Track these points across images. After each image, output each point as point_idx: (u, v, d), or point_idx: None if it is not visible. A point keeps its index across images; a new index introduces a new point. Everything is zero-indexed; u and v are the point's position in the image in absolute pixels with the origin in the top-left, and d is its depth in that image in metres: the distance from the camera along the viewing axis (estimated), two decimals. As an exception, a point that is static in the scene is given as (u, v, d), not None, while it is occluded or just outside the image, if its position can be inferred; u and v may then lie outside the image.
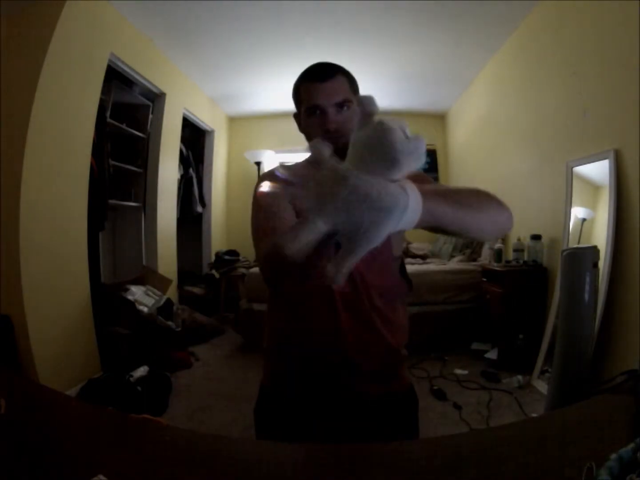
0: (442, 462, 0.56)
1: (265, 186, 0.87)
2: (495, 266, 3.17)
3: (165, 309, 3.25)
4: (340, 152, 0.80)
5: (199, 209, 4.99)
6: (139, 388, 2.34)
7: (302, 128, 0.91)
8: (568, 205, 2.56)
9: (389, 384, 0.86)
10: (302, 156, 0.94)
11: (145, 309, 3.04)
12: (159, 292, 3.34)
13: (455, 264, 3.82)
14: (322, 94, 0.83)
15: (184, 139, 4.50)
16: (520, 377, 2.59)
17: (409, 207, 0.38)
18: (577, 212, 2.54)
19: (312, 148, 0.42)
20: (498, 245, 3.34)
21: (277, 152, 5.35)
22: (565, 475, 0.49)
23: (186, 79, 4.28)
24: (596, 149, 2.28)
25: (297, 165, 0.93)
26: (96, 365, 2.70)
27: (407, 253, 4.29)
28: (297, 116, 0.93)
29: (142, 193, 3.78)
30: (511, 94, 3.51)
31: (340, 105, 0.84)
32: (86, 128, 2.73)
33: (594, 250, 2.00)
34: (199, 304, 4.24)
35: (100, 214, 3.02)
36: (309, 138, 0.87)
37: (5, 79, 2.18)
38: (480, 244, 3.92)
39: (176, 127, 4.19)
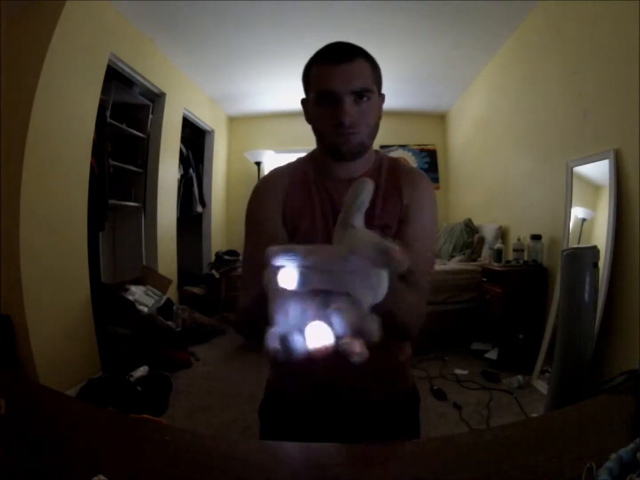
0: (442, 462, 0.56)
1: (259, 206, 0.79)
2: (495, 266, 3.17)
3: (165, 309, 3.25)
4: (352, 153, 0.74)
5: (199, 208, 4.99)
6: (139, 388, 2.34)
7: (310, 117, 0.78)
8: (568, 205, 2.56)
9: (393, 385, 0.85)
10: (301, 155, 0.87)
11: (145, 309, 3.03)
12: (159, 292, 3.34)
13: (455, 264, 3.81)
14: (337, 77, 0.70)
15: (184, 139, 4.50)
16: (520, 377, 2.59)
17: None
18: (577, 212, 2.54)
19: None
20: (498, 245, 3.34)
21: (277, 152, 5.36)
22: (565, 476, 0.49)
23: (186, 79, 4.28)
24: (596, 149, 2.28)
25: (293, 163, 0.86)
26: (96, 365, 2.70)
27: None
28: (305, 102, 0.80)
29: (142, 193, 3.78)
30: (511, 94, 3.51)
31: (359, 95, 0.71)
32: (86, 128, 2.73)
33: (594, 250, 1.99)
34: (199, 304, 4.24)
35: (100, 214, 3.02)
36: (316, 130, 0.77)
37: (5, 78, 2.17)
38: (480, 244, 3.91)
39: (176, 127, 4.19)
